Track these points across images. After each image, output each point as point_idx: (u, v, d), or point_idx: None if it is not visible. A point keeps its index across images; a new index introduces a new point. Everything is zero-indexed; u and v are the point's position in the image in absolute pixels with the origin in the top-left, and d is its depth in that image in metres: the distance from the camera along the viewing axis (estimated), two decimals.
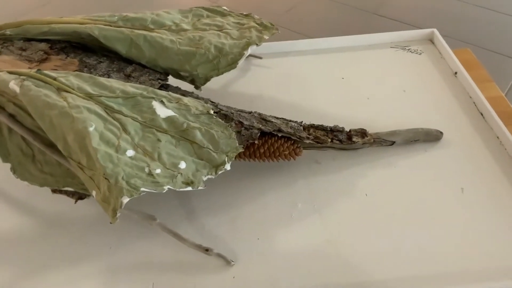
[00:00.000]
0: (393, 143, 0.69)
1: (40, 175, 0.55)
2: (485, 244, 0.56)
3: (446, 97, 0.77)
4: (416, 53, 0.86)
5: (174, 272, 0.55)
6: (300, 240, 0.58)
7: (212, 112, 0.56)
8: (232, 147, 0.53)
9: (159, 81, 0.63)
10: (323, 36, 0.91)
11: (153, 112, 0.53)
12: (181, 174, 0.50)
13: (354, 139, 0.66)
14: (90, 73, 0.60)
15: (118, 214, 0.46)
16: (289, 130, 0.63)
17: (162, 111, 0.53)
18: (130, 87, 0.55)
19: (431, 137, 0.70)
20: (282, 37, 0.88)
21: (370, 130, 0.69)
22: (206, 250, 0.55)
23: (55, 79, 0.53)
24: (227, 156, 0.53)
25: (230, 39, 0.68)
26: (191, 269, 0.55)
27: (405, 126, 0.70)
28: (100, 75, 0.60)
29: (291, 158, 0.65)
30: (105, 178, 0.46)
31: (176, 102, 0.55)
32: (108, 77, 0.60)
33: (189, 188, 0.49)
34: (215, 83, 0.80)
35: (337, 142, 0.66)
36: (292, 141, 0.64)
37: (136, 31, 0.64)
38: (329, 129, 0.66)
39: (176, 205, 0.61)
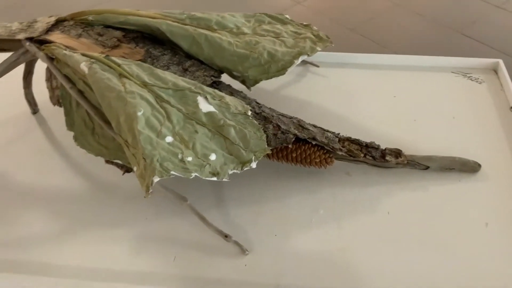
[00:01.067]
0: (427, 167, 0.70)
1: (97, 146, 0.64)
2: (495, 279, 0.57)
3: (495, 130, 0.76)
4: (477, 81, 0.85)
5: (195, 250, 0.61)
6: (314, 244, 0.62)
7: (249, 113, 0.61)
8: (261, 148, 0.58)
9: (212, 77, 0.69)
10: (399, 49, 0.91)
11: (197, 106, 0.59)
12: (210, 164, 0.55)
13: (387, 158, 0.68)
14: (153, 63, 0.68)
15: (150, 190, 0.53)
16: (324, 140, 0.67)
17: (205, 106, 0.60)
18: (181, 81, 0.62)
19: (468, 168, 0.70)
20: (358, 46, 0.90)
21: (409, 151, 0.71)
22: (226, 236, 0.61)
23: (119, 65, 0.61)
24: (254, 155, 0.58)
25: (284, 47, 0.72)
26: (209, 250, 0.61)
27: (446, 153, 0.71)
28: (161, 66, 0.67)
29: (322, 166, 0.68)
30: (143, 158, 0.53)
31: (219, 100, 0.61)
32: (168, 69, 0.68)
33: (214, 179, 0.55)
34: (270, 84, 0.85)
35: (370, 158, 0.68)
36: (325, 150, 0.68)
37: (199, 30, 0.71)
38: (364, 144, 0.69)
39: (208, 192, 0.67)
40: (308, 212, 0.65)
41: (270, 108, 0.70)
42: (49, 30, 0.68)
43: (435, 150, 0.72)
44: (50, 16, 0.71)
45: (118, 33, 0.71)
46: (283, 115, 0.69)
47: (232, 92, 0.70)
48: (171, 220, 0.65)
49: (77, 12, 0.71)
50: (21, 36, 0.67)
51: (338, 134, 0.70)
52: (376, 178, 0.70)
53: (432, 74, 0.87)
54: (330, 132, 0.69)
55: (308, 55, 0.72)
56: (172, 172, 0.53)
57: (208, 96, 0.60)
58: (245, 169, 0.57)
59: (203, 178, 0.55)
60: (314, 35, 0.76)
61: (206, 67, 0.71)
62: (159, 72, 0.62)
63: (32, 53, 0.67)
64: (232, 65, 0.71)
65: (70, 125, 0.65)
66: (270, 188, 0.69)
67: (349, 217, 0.65)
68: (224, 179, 0.56)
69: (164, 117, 0.57)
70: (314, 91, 0.85)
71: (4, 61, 0.69)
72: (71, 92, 0.63)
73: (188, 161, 0.55)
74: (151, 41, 0.73)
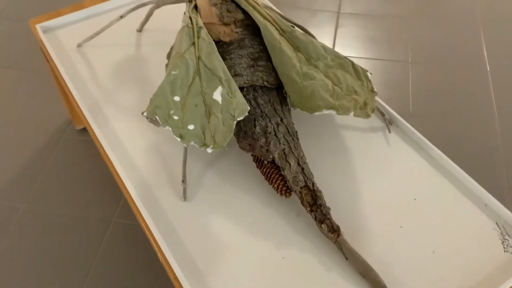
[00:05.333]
0: (346, 258, 0.75)
1: None
2: None
3: None
4: (508, 248, 0.77)
5: (166, 177, 0.87)
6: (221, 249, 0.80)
7: (238, 119, 0.78)
8: (220, 143, 0.77)
9: (266, 82, 0.86)
10: None
11: (213, 91, 0.80)
12: (183, 129, 0.77)
13: (322, 226, 0.77)
14: (236, 48, 0.88)
15: (145, 114, 0.79)
16: (289, 176, 0.79)
17: (216, 94, 0.80)
18: (221, 71, 0.82)
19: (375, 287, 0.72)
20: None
21: (369, 250, 0.77)
22: (183, 181, 0.84)
23: (198, 37, 0.85)
24: (213, 144, 0.77)
25: (328, 95, 0.82)
26: (169, 180, 0.86)
27: (398, 271, 0.74)
28: (238, 53, 0.87)
29: (279, 193, 0.81)
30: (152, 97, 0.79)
31: (230, 97, 0.80)
32: (241, 58, 0.87)
33: (178, 140, 0.77)
34: (339, 118, 0.95)
35: (313, 215, 0.78)
36: (287, 184, 0.80)
37: (283, 45, 0.87)
38: (318, 203, 0.78)
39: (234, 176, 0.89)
40: (232, 219, 0.82)
41: (289, 131, 0.83)
42: None
43: (392, 259, 0.76)
44: None
45: (240, 16, 0.92)
46: (288, 142, 0.81)
47: (274, 101, 0.85)
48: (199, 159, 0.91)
49: None
50: None
51: (313, 181, 0.79)
52: (311, 237, 0.79)
53: (465, 208, 0.82)
54: (306, 176, 0.80)
55: (337, 112, 0.81)
56: (156, 117, 0.78)
57: (225, 91, 0.80)
58: (201, 148, 0.77)
59: (172, 134, 0.78)
60: (364, 102, 0.82)
61: (272, 74, 0.88)
62: (216, 56, 0.83)
63: None
64: (285, 82, 0.86)
65: (168, 55, 0.94)
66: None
67: (248, 244, 0.79)
68: (183, 144, 0.77)
69: (188, 85, 0.81)
70: (364, 149, 0.91)
71: None
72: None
73: (172, 118, 0.78)
74: (259, 33, 0.92)
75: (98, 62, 1.09)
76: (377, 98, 0.94)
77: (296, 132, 0.85)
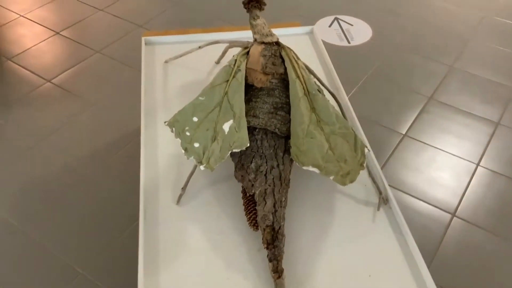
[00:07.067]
0: None
1: None
2: None
3: None
4: None
5: (169, 178, 1.03)
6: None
7: (232, 151, 0.91)
8: (211, 165, 0.90)
9: (277, 130, 0.98)
10: None
11: (224, 121, 0.94)
12: (190, 144, 0.93)
13: (269, 264, 0.85)
14: (264, 95, 1.01)
15: (165, 123, 0.97)
16: (260, 212, 0.89)
17: (225, 126, 0.94)
18: (239, 108, 0.96)
19: None
20: None
21: None
22: (183, 188, 0.99)
23: (234, 77, 1.00)
24: (206, 164, 0.91)
25: (319, 155, 0.91)
26: (173, 182, 1.01)
27: None
28: (263, 99, 1.01)
29: (249, 224, 0.92)
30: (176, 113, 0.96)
31: (235, 132, 0.93)
32: (264, 103, 1.01)
33: (183, 152, 0.93)
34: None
35: (268, 251, 0.87)
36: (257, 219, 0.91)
37: (303, 103, 0.98)
38: (276, 244, 0.87)
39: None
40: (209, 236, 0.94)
41: (281, 177, 0.93)
42: (264, 41, 1.10)
43: None
44: (277, 38, 1.12)
45: (280, 70, 1.06)
46: (274, 185, 0.92)
47: (278, 148, 0.96)
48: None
49: (288, 48, 1.09)
50: (256, 36, 1.13)
51: (281, 225, 0.89)
52: (259, 271, 0.88)
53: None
54: (275, 218, 0.89)
55: (320, 173, 0.89)
56: (173, 129, 0.94)
57: (233, 125, 0.94)
58: (196, 163, 0.92)
59: (181, 146, 0.94)
60: (348, 172, 0.89)
61: (286, 124, 0.99)
62: (239, 96, 0.98)
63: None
64: (291, 135, 0.97)
65: None
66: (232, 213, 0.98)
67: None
68: (185, 156, 0.93)
69: (208, 111, 0.96)
70: (350, 217, 0.97)
71: (239, 41, 1.18)
72: None
73: (185, 134, 0.94)
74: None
75: (173, 78, 1.30)
76: (384, 179, 1.00)
77: (289, 180, 0.95)
